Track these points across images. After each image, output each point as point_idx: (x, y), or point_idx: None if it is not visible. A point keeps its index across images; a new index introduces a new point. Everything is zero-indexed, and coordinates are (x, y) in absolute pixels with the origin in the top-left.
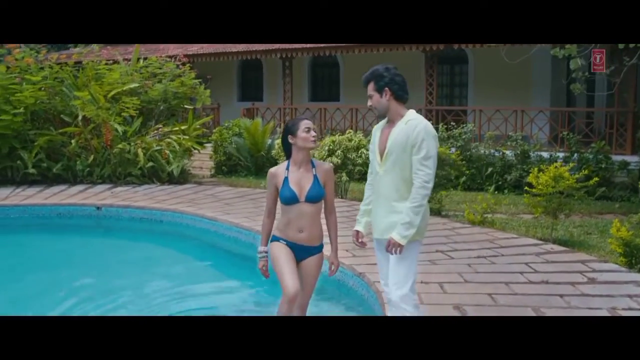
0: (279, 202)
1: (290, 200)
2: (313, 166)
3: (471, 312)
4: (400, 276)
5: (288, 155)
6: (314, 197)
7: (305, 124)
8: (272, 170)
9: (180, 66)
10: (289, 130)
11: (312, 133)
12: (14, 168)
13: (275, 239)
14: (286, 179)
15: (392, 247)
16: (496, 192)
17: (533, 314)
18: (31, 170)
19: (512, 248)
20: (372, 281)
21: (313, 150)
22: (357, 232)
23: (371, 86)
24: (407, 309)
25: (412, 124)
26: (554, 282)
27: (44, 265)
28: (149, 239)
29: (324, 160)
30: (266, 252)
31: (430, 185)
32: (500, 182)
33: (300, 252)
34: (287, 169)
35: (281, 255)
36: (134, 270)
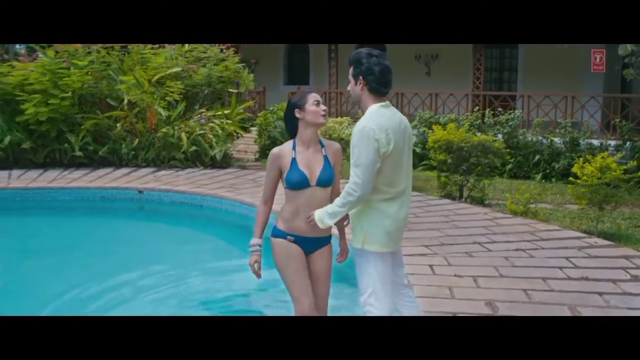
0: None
1: (301, 184)
2: (322, 146)
3: (503, 308)
4: (360, 284)
5: (292, 134)
6: (326, 180)
7: (313, 96)
8: (276, 150)
9: (225, 50)
10: (296, 105)
11: (322, 107)
12: (61, 151)
13: (281, 234)
14: (294, 160)
15: (309, 220)
16: (543, 181)
17: (569, 313)
18: (78, 153)
19: (554, 241)
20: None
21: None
22: None
23: (350, 70)
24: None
25: (356, 124)
26: (594, 278)
27: (87, 248)
28: (189, 224)
29: None
30: (260, 246)
31: (358, 194)
32: (547, 170)
33: (309, 245)
34: (294, 149)
35: (292, 263)
36: (173, 255)
